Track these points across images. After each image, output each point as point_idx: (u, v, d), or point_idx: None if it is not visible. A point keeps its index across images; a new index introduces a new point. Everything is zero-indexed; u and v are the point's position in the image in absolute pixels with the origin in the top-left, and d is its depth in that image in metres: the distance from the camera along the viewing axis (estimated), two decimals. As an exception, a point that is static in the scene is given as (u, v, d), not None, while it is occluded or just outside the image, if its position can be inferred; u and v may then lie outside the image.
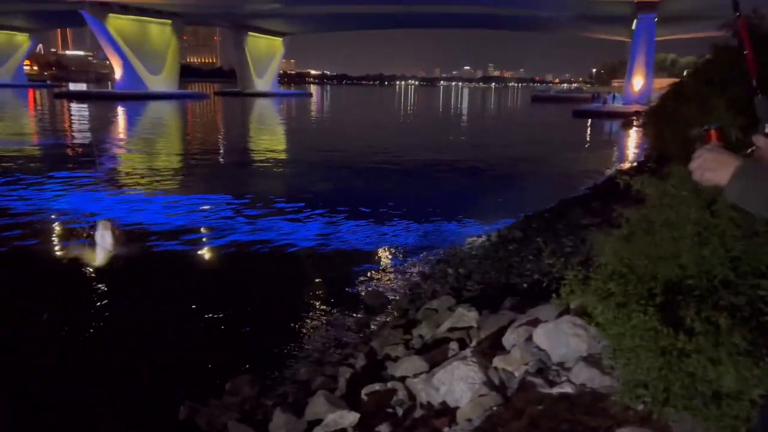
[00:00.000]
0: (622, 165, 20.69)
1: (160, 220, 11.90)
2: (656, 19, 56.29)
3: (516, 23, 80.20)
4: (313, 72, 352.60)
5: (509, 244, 9.51)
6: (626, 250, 3.79)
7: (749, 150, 1.53)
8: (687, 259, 3.22)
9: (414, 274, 8.68)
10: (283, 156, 24.03)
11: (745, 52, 1.64)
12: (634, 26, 57.83)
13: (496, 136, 34.68)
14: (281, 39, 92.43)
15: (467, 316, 5.20)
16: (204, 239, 10.77)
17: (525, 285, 6.90)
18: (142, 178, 16.90)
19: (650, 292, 3.15)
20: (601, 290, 3.39)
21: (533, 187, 16.36)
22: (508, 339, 3.78)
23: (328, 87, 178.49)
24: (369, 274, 8.79)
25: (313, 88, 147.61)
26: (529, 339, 3.52)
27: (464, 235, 10.94)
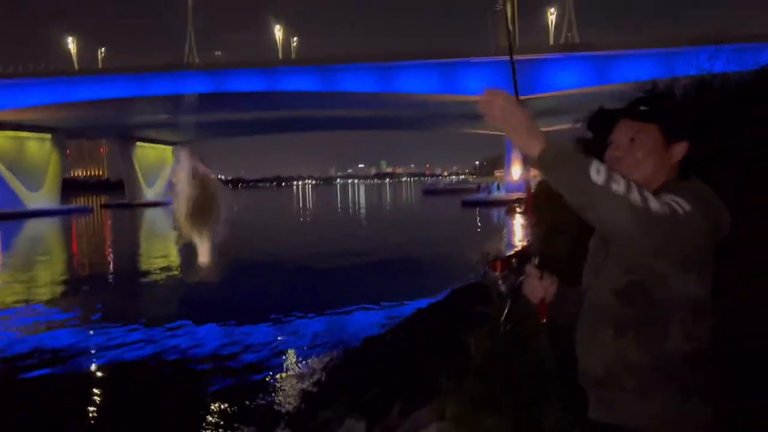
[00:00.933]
0: (508, 250, 21.73)
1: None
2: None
3: (400, 123, 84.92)
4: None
5: (404, 341, 9.52)
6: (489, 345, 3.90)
7: (521, 277, 1.80)
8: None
9: (309, 381, 8.44)
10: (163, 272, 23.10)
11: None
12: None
13: (393, 229, 35.52)
14: (171, 147, 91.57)
15: (357, 426, 5.08)
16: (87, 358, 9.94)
17: (417, 383, 6.86)
18: None
19: (513, 388, 3.24)
20: (470, 393, 3.44)
21: (429, 277, 16.72)
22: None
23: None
24: (264, 383, 8.45)
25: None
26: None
27: (361, 332, 10.87)
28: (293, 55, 63.10)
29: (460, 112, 63.69)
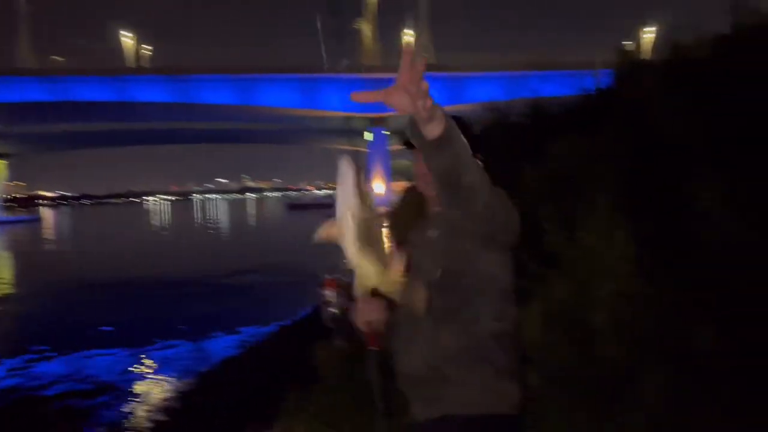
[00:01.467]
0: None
1: None
2: (387, 132, 63.50)
3: (263, 137, 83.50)
4: (47, 194, 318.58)
5: (263, 361, 9.30)
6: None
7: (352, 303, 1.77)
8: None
9: (161, 408, 7.93)
10: None
11: None
12: (369, 138, 64.29)
13: (255, 246, 34.63)
14: (4, 162, 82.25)
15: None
16: None
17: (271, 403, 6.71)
18: None
19: (356, 402, 3.24)
20: (315, 409, 3.40)
21: (292, 294, 16.44)
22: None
23: (68, 208, 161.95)
24: (113, 411, 7.85)
25: (48, 211, 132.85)
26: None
27: (218, 356, 10.43)
28: (147, 65, 59.70)
29: (324, 127, 64.12)
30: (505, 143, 5.95)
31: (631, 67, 5.84)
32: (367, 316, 1.74)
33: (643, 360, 2.63)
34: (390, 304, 1.76)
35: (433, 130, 1.34)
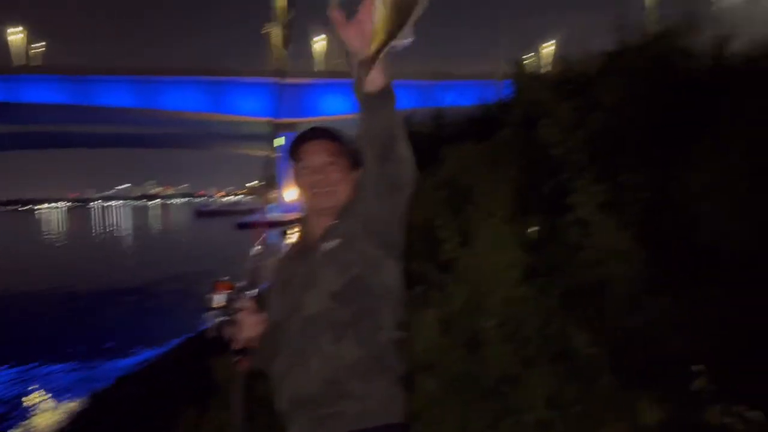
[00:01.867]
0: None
1: None
2: (297, 137, 63.03)
3: (168, 142, 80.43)
4: None
5: (161, 376, 8.91)
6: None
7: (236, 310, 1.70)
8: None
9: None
10: None
11: None
12: (278, 143, 63.50)
13: (157, 256, 33.18)
14: None
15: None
16: None
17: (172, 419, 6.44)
18: None
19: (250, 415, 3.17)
20: (214, 423, 3.29)
21: (189, 308, 15.88)
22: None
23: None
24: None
25: None
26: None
27: (114, 373, 9.88)
28: (40, 63, 55.74)
29: (233, 132, 62.59)
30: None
31: (526, 79, 6.11)
32: (247, 329, 1.68)
33: (530, 362, 2.75)
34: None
35: (376, 80, 1.35)
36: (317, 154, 1.72)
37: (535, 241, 3.16)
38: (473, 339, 3.03)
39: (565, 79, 5.30)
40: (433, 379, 3.04)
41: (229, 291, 1.71)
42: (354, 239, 1.62)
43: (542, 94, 4.36)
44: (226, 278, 1.74)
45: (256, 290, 1.74)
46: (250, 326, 1.68)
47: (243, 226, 53.17)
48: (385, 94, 1.38)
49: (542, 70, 7.38)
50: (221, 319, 1.70)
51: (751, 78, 3.76)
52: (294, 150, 1.77)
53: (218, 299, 1.69)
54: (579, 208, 2.97)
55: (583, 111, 4.01)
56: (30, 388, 9.38)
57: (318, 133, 1.76)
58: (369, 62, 1.29)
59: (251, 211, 69.48)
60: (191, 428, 3.44)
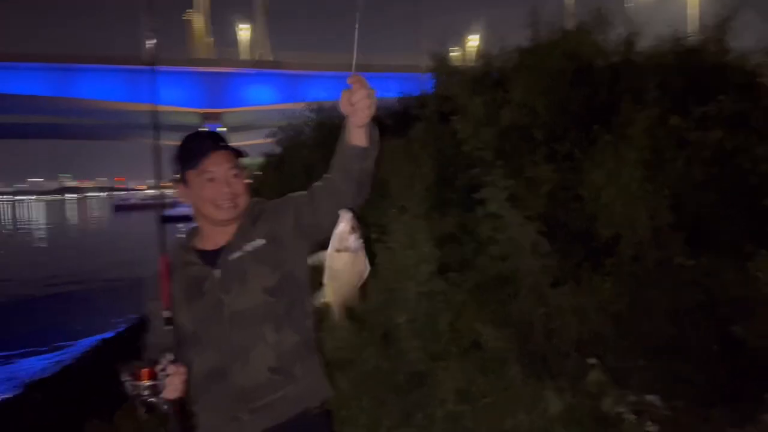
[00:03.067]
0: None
1: None
2: (223, 128, 61.48)
3: (85, 132, 76.61)
4: None
5: (77, 381, 8.47)
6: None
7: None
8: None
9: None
10: None
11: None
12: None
13: (75, 252, 31.56)
14: None
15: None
16: None
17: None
18: None
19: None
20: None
21: (119, 306, 15.24)
22: None
23: None
24: None
25: None
26: None
27: (19, 379, 9.32)
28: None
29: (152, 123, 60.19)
30: (328, 143, 5.99)
31: (445, 73, 6.15)
32: (178, 392, 1.59)
33: (440, 356, 2.78)
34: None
35: (364, 136, 1.44)
36: (222, 165, 1.68)
37: (447, 236, 3.19)
38: (387, 335, 3.04)
39: (484, 74, 5.38)
40: (347, 376, 3.02)
41: (152, 377, 1.60)
42: (283, 238, 1.68)
43: (456, 89, 4.40)
44: (144, 364, 1.62)
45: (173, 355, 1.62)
46: (178, 385, 1.59)
47: (169, 219, 51.40)
48: (372, 146, 1.46)
49: (465, 65, 7.45)
50: (149, 399, 1.59)
51: (651, 73, 3.94)
52: (192, 158, 1.70)
53: (147, 385, 1.57)
54: (489, 202, 3.02)
55: (496, 106, 4.08)
56: None
57: (219, 143, 1.71)
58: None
59: (173, 205, 67.23)
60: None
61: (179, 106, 55.46)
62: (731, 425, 2.30)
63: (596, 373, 2.10)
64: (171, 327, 1.65)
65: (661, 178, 3.12)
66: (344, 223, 1.47)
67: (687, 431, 2.37)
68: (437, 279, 2.95)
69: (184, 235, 1.90)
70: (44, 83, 50.18)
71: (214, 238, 1.75)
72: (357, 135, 1.46)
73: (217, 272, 1.68)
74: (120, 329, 11.62)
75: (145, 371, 1.55)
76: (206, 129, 1.74)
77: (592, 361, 2.12)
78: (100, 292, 17.74)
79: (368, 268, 1.52)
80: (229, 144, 1.73)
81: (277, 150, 9.60)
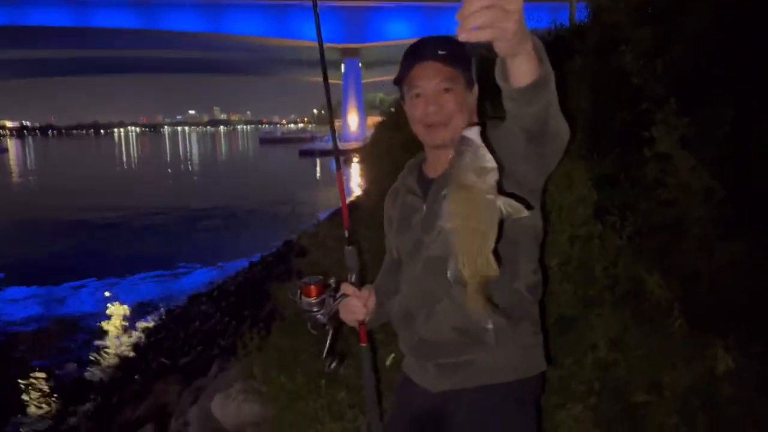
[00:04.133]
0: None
1: None
2: (361, 64, 62.05)
3: (233, 68, 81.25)
4: (8, 123, 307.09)
5: (229, 297, 9.32)
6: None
7: (338, 299, 1.63)
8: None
9: (127, 345, 7.97)
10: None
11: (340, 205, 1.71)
12: (342, 70, 62.93)
13: (230, 181, 34.20)
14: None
15: (169, 390, 4.89)
16: None
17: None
18: None
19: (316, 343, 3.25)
20: (274, 349, 3.41)
21: (262, 229, 16.43)
22: (192, 413, 3.60)
23: (31, 140, 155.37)
24: (78, 350, 7.87)
25: (13, 142, 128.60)
26: (210, 409, 3.39)
27: (186, 292, 10.44)
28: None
29: (297, 58, 62.25)
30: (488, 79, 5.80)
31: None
32: (359, 312, 1.62)
33: (592, 301, 2.67)
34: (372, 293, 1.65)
35: (524, 71, 1.08)
36: (429, 80, 1.46)
37: (607, 177, 2.99)
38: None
39: (646, 2, 4.86)
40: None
41: (320, 293, 1.62)
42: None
43: (620, 16, 4.01)
44: (316, 280, 1.63)
45: (354, 274, 1.65)
46: (359, 309, 1.62)
47: (306, 153, 54.04)
48: (540, 85, 1.11)
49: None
50: (321, 318, 1.64)
51: None
52: (402, 71, 1.51)
53: (314, 301, 1.61)
54: (659, 142, 2.76)
55: (665, 38, 3.68)
56: (106, 304, 10.05)
57: (429, 52, 1.46)
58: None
59: (313, 139, 70.31)
60: (252, 351, 3.58)
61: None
62: None
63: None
64: (352, 247, 1.64)
65: None
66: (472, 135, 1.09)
67: None
68: (594, 222, 2.79)
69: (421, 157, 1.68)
70: (198, 19, 53.19)
71: (435, 163, 1.57)
72: (509, 69, 1.09)
73: (424, 206, 1.53)
74: (266, 254, 12.57)
75: (313, 288, 1.61)
76: (436, 37, 1.51)
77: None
78: (246, 221, 19.17)
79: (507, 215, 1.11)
80: (442, 54, 1.43)
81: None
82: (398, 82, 1.54)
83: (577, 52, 4.04)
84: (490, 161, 1.08)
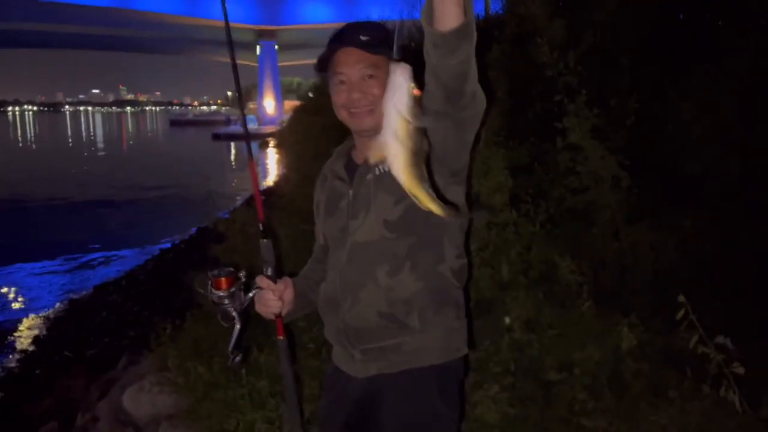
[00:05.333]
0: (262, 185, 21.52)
1: None
2: (277, 47, 60.83)
3: (142, 45, 77.39)
4: None
5: (139, 286, 8.94)
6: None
7: (252, 292, 1.59)
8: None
9: (27, 339, 7.45)
10: None
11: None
12: (258, 52, 61.40)
13: (138, 165, 32.63)
14: None
15: (74, 384, 4.63)
16: None
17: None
18: None
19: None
20: (189, 338, 3.30)
21: (173, 215, 15.83)
22: (102, 407, 3.43)
23: None
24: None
25: None
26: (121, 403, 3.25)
27: (93, 281, 9.89)
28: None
29: (211, 38, 60.15)
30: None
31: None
32: (270, 308, 1.58)
33: (508, 285, 2.76)
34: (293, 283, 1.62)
35: (450, 13, 1.11)
36: (352, 66, 1.45)
37: (522, 165, 3.10)
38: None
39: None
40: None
41: (230, 285, 1.56)
42: None
43: (534, 9, 4.14)
44: (226, 272, 1.58)
45: (269, 267, 1.60)
46: (274, 303, 1.57)
47: (219, 137, 52.38)
48: (463, 33, 1.13)
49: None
50: (227, 309, 1.59)
51: None
52: (325, 57, 1.50)
53: (223, 293, 1.56)
54: (571, 132, 2.89)
55: (578, 29, 3.84)
56: (7, 295, 9.39)
57: (352, 38, 1.45)
58: None
59: (228, 122, 68.26)
60: (166, 341, 3.46)
61: (233, 22, 54.77)
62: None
63: (683, 312, 2.05)
64: (267, 240, 1.61)
65: (762, 113, 2.90)
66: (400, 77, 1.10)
67: (763, 378, 2.31)
68: (510, 209, 2.88)
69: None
70: (106, -6, 50.17)
71: (362, 149, 1.55)
72: (435, 9, 1.12)
73: (351, 192, 1.52)
74: (177, 241, 12.13)
75: (223, 280, 1.56)
76: (360, 22, 1.53)
77: (681, 298, 2.05)
78: (166, 203, 18.41)
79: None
80: (365, 40, 1.43)
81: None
82: (322, 68, 1.53)
83: (495, 42, 4.14)
84: (409, 96, 1.10)
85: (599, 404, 2.48)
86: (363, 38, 1.43)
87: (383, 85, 1.32)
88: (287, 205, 5.08)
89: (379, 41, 1.42)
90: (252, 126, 56.12)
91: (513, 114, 3.53)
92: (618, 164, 2.94)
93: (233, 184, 22.23)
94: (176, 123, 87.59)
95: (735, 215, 2.76)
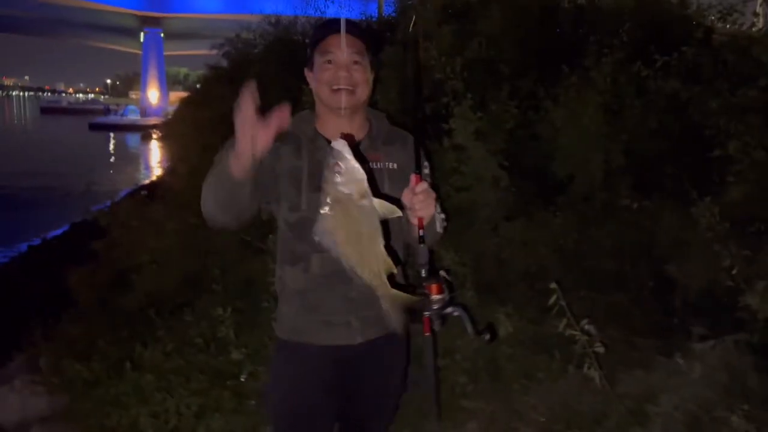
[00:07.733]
0: (143, 181, 20.47)
1: None
2: (163, 35, 58.03)
3: (11, 25, 70.71)
4: None
5: (9, 283, 8.24)
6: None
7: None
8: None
9: None
10: None
11: None
12: (142, 39, 58.26)
13: (8, 154, 29.75)
14: None
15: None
16: None
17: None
18: None
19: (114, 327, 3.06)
20: (65, 337, 3.14)
21: (44, 210, 14.66)
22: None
23: None
24: None
25: None
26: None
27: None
28: None
29: (89, 21, 56.24)
30: (287, 63, 5.81)
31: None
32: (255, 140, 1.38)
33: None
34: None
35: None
36: (343, 50, 1.60)
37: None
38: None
39: (453, 2, 5.28)
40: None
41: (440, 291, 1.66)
42: (404, 178, 1.58)
43: (424, 14, 4.32)
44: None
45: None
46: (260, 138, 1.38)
47: (98, 127, 49.03)
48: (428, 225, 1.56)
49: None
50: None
51: (616, 18, 4.00)
52: (318, 39, 1.66)
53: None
54: (456, 134, 3.08)
55: (464, 37, 4.07)
56: None
57: (347, 26, 1.60)
58: None
59: (106, 112, 64.09)
60: (38, 342, 3.26)
61: (115, 6, 51.67)
62: (660, 354, 2.54)
63: (554, 298, 2.27)
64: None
65: (619, 123, 3.25)
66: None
67: (619, 358, 2.60)
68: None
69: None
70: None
71: (332, 126, 1.67)
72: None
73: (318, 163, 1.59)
74: (58, 233, 11.31)
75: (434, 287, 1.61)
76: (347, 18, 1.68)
77: (553, 285, 2.28)
78: (37, 196, 17.02)
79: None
80: (358, 30, 1.66)
81: (224, 63, 9.10)
82: (311, 48, 1.70)
83: (388, 44, 4.27)
84: (358, 172, 1.22)
85: (477, 387, 2.66)
86: (355, 29, 1.66)
87: (365, 74, 1.65)
88: (174, 198, 4.92)
89: (368, 37, 1.69)
90: (134, 117, 53.21)
91: (402, 114, 3.67)
92: (498, 165, 3.17)
93: (112, 177, 20.94)
94: (48, 111, 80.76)
95: (594, 215, 3.08)
